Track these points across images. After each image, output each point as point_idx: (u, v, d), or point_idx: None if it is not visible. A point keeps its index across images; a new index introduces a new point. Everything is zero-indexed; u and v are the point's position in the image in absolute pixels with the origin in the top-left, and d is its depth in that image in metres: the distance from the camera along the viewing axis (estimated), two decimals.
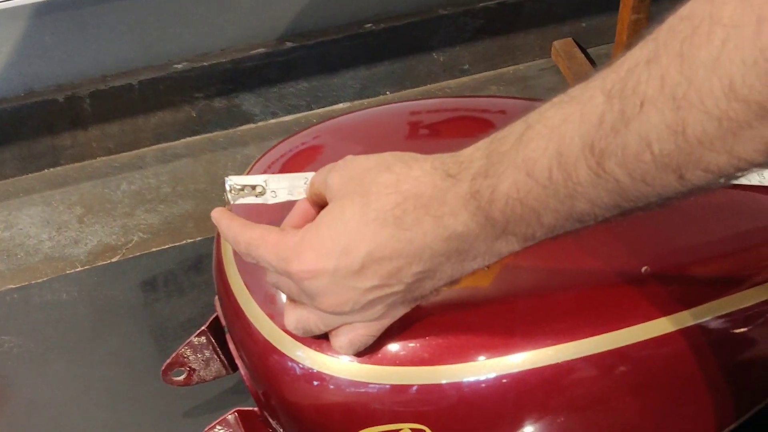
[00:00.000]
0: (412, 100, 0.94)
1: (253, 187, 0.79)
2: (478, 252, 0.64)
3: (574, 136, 0.56)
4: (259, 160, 0.93)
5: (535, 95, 1.44)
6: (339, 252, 0.65)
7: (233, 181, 0.78)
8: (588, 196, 0.57)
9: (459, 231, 0.62)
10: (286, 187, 0.81)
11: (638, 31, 1.37)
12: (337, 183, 0.69)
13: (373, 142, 0.89)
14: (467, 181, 0.61)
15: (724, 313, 0.84)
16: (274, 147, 0.93)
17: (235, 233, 0.71)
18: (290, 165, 0.91)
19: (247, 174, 0.91)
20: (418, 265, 0.65)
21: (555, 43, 1.52)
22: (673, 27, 0.52)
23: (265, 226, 0.69)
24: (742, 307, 0.83)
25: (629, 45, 0.53)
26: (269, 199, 0.78)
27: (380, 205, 0.64)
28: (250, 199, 0.78)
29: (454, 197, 0.62)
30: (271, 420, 0.87)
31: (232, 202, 0.77)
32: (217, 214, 0.73)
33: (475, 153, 0.62)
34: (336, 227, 0.66)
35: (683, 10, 0.50)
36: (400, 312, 0.69)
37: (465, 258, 0.65)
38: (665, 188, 0.54)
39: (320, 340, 0.76)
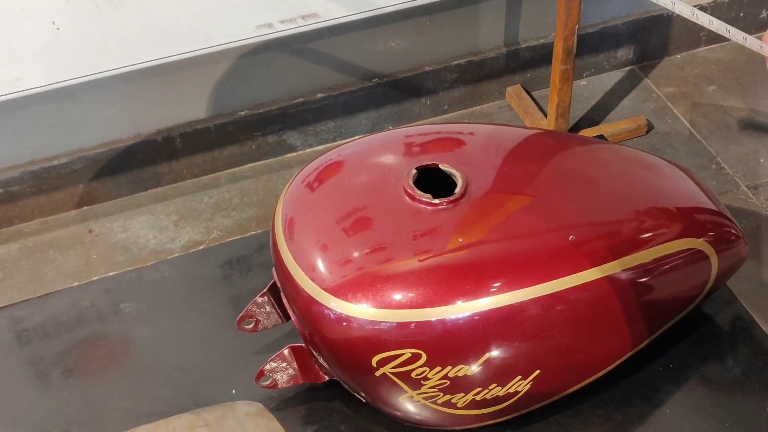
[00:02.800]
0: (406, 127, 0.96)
1: None
2: None
3: None
4: (302, 169, 0.91)
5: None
6: None
7: None
8: None
9: None
10: None
11: (566, 78, 1.36)
12: None
13: (378, 151, 0.91)
14: None
15: (633, 264, 0.85)
16: (310, 163, 0.92)
17: None
18: (325, 171, 0.91)
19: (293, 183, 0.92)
20: None
21: (508, 88, 1.52)
22: None
23: None
24: (643, 262, 0.85)
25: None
26: None
27: None
28: None
29: None
30: (314, 352, 0.89)
31: None
32: None
33: None
34: None
35: None
36: None
37: None
38: None
39: (346, 293, 0.79)
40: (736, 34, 0.76)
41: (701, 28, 1.61)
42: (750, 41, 0.76)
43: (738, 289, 1.03)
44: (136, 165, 1.37)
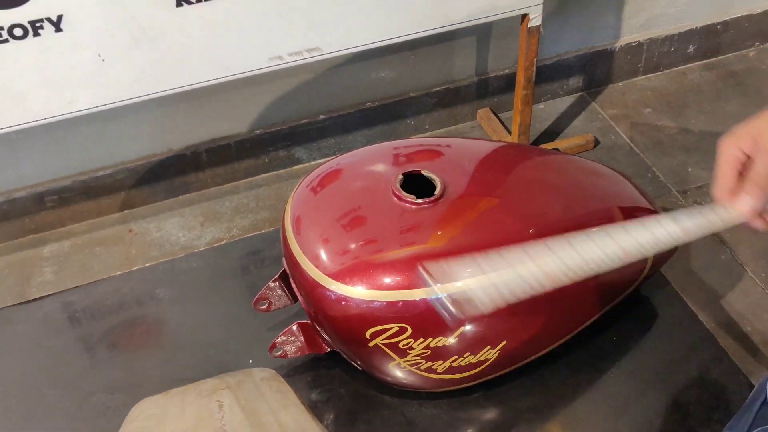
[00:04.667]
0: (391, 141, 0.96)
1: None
2: None
3: None
4: (308, 175, 0.91)
5: None
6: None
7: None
8: None
9: None
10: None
11: (527, 102, 1.36)
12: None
13: (371, 161, 0.91)
14: None
15: None
16: (314, 171, 0.92)
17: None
18: (326, 177, 0.91)
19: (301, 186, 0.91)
20: None
21: (479, 111, 1.53)
22: None
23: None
24: None
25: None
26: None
27: None
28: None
29: None
30: (317, 327, 0.89)
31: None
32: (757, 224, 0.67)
33: None
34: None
35: None
36: None
37: None
38: None
39: (344, 278, 0.79)
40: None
41: (639, 60, 1.62)
42: (710, 216, 0.68)
43: (669, 274, 1.04)
44: (168, 175, 1.37)
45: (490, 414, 0.88)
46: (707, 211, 0.67)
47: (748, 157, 0.66)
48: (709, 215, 0.67)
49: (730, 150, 0.68)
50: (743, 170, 0.67)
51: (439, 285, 0.64)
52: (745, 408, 0.83)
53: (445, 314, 0.65)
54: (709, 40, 1.66)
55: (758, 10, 1.65)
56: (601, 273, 0.69)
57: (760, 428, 0.78)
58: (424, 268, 0.64)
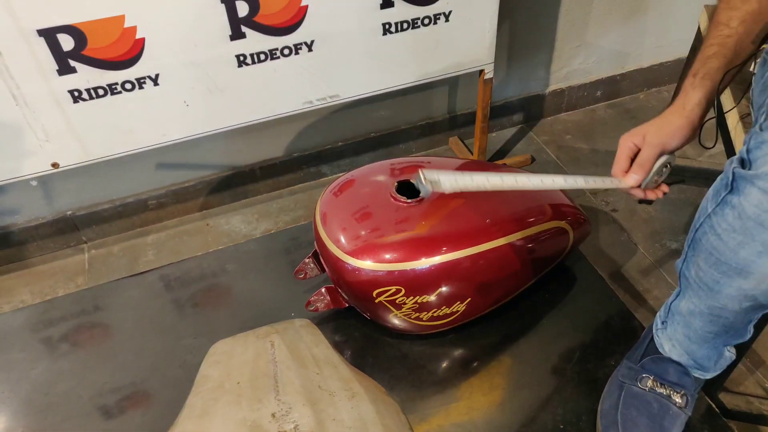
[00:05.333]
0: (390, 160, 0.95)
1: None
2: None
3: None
4: (329, 186, 0.91)
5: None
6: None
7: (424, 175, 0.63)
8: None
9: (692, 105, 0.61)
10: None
11: (484, 132, 1.33)
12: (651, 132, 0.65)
13: (375, 173, 0.90)
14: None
15: (523, 236, 0.84)
16: (335, 180, 0.92)
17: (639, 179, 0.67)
18: (343, 186, 0.90)
19: (326, 196, 0.91)
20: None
21: (450, 138, 1.52)
22: None
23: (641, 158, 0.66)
24: (530, 234, 0.85)
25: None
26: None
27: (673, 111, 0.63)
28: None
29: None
30: (339, 290, 0.88)
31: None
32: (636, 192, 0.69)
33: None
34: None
35: None
36: None
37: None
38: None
39: (357, 255, 0.79)
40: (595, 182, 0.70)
41: (562, 101, 1.62)
42: (607, 182, 0.70)
43: (584, 250, 1.04)
44: (233, 185, 1.35)
45: (460, 350, 0.89)
46: (606, 179, 0.71)
47: (639, 148, 0.68)
48: (607, 181, 0.71)
49: (626, 143, 0.70)
50: (633, 157, 0.69)
51: (424, 176, 0.62)
52: (638, 343, 0.83)
53: (424, 188, 0.63)
54: (611, 87, 1.66)
55: (645, 65, 1.65)
56: (526, 189, 0.72)
57: (650, 356, 0.78)
58: (421, 171, 0.62)
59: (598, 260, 1.11)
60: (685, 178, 1.33)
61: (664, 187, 0.71)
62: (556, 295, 0.95)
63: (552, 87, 1.59)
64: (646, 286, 1.06)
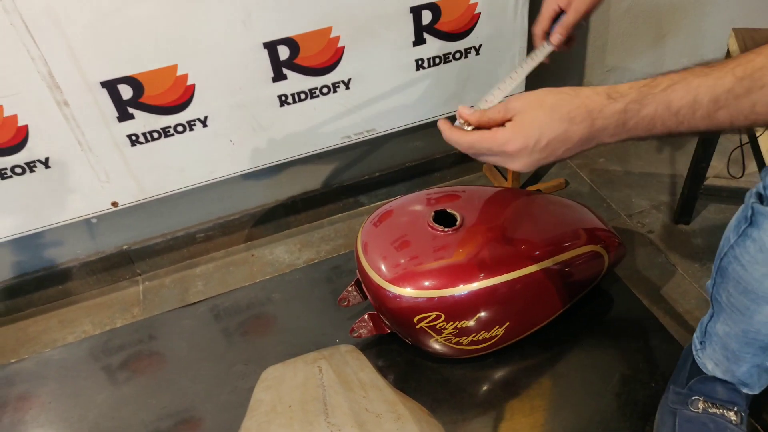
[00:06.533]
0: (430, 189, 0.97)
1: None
2: (596, 143, 0.51)
3: (706, 94, 0.45)
4: (371, 216, 0.92)
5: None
6: (536, 138, 0.50)
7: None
8: (692, 125, 0.46)
9: (602, 128, 0.49)
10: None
11: None
12: (520, 105, 0.52)
13: (412, 203, 0.91)
14: (623, 103, 0.48)
15: (558, 261, 0.85)
16: (375, 211, 0.93)
17: (456, 138, 0.55)
18: (383, 216, 0.91)
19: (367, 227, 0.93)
20: (571, 147, 0.51)
21: (484, 166, 1.53)
22: None
23: (479, 132, 0.54)
24: (565, 258, 0.86)
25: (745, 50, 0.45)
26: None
27: (560, 112, 0.50)
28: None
29: (610, 111, 0.49)
30: (381, 316, 0.90)
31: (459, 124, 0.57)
32: (441, 125, 0.57)
33: (629, 90, 0.49)
34: (532, 127, 0.51)
35: None
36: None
37: (591, 142, 0.51)
38: (735, 128, 0.45)
39: (398, 282, 0.81)
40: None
41: None
42: (539, 55, 0.77)
43: (620, 273, 1.04)
44: (276, 217, 1.37)
45: (500, 372, 0.90)
46: (538, 52, 0.76)
47: (561, 10, 0.72)
48: (539, 54, 0.76)
49: (552, 5, 0.73)
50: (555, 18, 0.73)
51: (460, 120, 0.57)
52: (680, 366, 0.83)
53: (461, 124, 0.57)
54: None
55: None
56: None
57: (696, 378, 0.78)
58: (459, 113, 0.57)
59: (635, 283, 1.10)
60: (723, 198, 1.32)
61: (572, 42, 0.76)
62: (593, 317, 0.95)
63: None
64: (686, 307, 1.06)
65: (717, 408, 0.74)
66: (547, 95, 0.52)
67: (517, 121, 0.52)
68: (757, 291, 0.60)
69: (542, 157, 0.51)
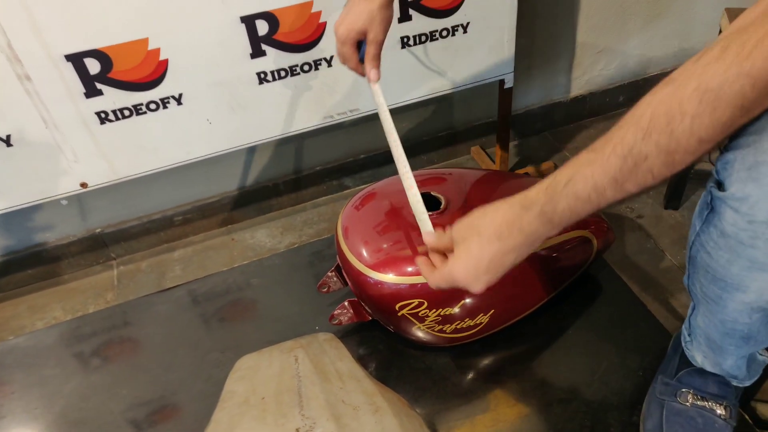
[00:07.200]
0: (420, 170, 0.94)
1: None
2: (540, 240, 0.55)
3: (603, 179, 0.48)
4: (353, 198, 0.92)
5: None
6: (474, 264, 0.56)
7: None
8: (614, 198, 0.49)
9: (533, 232, 0.53)
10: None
11: (505, 141, 1.33)
12: (457, 235, 0.58)
13: (396, 186, 0.89)
14: (538, 207, 0.52)
15: (546, 246, 0.83)
16: (356, 195, 0.93)
17: (428, 280, 0.61)
18: (365, 199, 0.89)
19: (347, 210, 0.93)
20: (513, 257, 0.55)
21: (472, 148, 1.51)
22: (655, 117, 0.44)
23: (437, 271, 0.60)
24: (553, 243, 0.84)
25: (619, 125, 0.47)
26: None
27: (488, 234, 0.55)
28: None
29: (530, 216, 0.53)
30: (362, 303, 0.88)
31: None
32: (419, 262, 0.64)
33: (538, 194, 0.53)
34: (470, 257, 0.56)
35: (658, 107, 0.44)
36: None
37: (534, 244, 0.55)
38: (649, 188, 0.48)
39: (379, 268, 0.79)
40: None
41: (584, 108, 1.60)
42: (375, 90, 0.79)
43: (609, 259, 1.03)
44: (257, 199, 1.36)
45: (484, 361, 0.88)
46: (376, 95, 0.79)
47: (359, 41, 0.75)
48: (377, 95, 0.79)
49: (347, 37, 0.75)
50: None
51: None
52: (669, 355, 0.81)
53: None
54: (634, 92, 1.64)
55: (669, 68, 1.63)
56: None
57: (685, 369, 0.77)
58: None
59: (623, 268, 1.09)
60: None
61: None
62: (581, 304, 0.94)
63: (573, 93, 1.58)
64: (675, 294, 1.04)
65: (706, 401, 0.72)
66: (476, 219, 0.56)
67: (456, 254, 0.57)
68: (725, 278, 0.59)
69: (493, 274, 0.56)
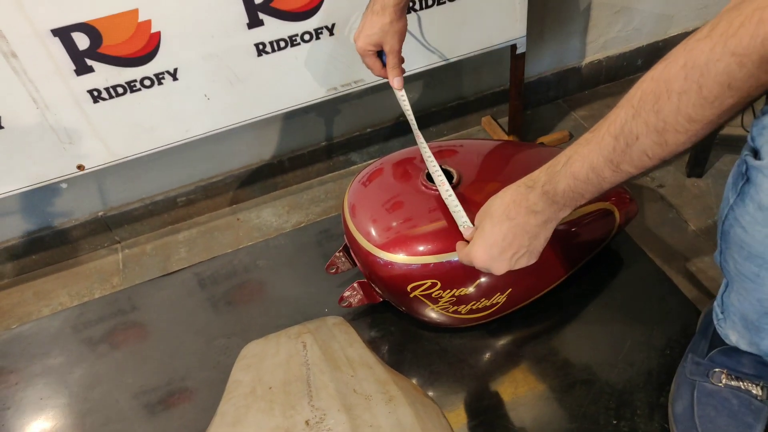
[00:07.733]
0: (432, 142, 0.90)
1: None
2: (554, 221, 0.57)
3: (598, 159, 0.49)
4: (361, 172, 0.89)
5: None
6: (489, 244, 0.59)
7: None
8: (613, 180, 0.50)
9: (540, 211, 0.56)
10: None
11: (517, 110, 1.29)
12: (476, 220, 0.63)
13: (405, 160, 0.87)
14: (540, 187, 0.55)
15: (566, 220, 0.79)
16: (362, 170, 0.90)
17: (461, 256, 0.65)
18: (372, 174, 0.86)
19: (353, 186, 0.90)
20: (531, 236, 0.58)
21: (483, 118, 1.48)
22: (644, 95, 0.44)
23: (462, 252, 0.64)
24: (573, 217, 0.80)
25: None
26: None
27: (498, 214, 0.58)
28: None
29: (534, 196, 0.56)
30: (372, 284, 0.86)
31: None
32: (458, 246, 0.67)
33: (540, 173, 0.55)
34: (484, 238, 0.60)
35: (648, 85, 0.44)
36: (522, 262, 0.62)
37: (546, 224, 0.58)
38: (651, 169, 0.48)
39: (389, 248, 0.76)
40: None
41: (600, 73, 1.54)
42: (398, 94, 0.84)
43: (631, 232, 0.98)
44: (262, 178, 1.34)
45: (502, 341, 0.85)
46: (402, 101, 0.84)
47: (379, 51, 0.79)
48: (403, 101, 0.84)
49: (366, 48, 0.79)
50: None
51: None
52: (700, 333, 0.77)
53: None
54: (653, 55, 1.56)
55: (691, 28, 1.55)
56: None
57: (718, 348, 0.72)
58: None
59: (645, 241, 1.05)
60: (737, 148, 1.25)
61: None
62: (602, 280, 0.90)
63: (589, 58, 1.51)
64: (699, 266, 1.00)
65: (741, 381, 0.69)
66: (490, 203, 0.60)
67: (474, 238, 0.62)
68: (764, 255, 0.55)
69: (510, 254, 0.59)
